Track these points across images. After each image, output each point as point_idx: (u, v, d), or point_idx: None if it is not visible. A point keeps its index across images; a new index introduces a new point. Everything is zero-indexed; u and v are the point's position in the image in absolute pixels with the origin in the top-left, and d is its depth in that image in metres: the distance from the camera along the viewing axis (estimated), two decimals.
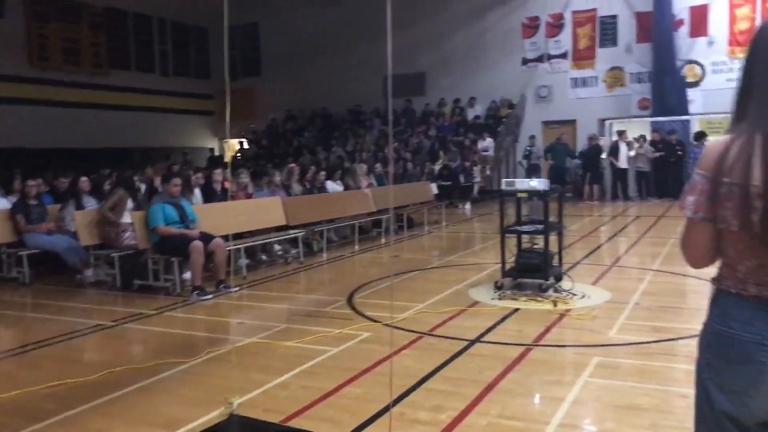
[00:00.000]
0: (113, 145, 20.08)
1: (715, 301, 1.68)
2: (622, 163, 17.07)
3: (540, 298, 6.23)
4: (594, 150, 17.35)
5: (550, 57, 19.77)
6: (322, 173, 11.79)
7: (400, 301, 6.40)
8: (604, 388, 3.99)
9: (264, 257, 9.17)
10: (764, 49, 1.61)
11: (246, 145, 23.29)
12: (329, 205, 10.59)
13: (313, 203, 10.30)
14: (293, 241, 9.33)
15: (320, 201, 10.62)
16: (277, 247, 9.34)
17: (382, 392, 3.74)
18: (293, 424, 3.53)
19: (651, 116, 18.09)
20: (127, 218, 7.81)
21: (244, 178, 9.81)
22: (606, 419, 3.56)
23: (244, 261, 8.37)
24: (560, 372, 4.34)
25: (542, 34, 19.84)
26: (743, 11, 17.20)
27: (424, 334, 5.24)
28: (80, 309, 6.90)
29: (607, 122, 18.75)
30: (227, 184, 9.48)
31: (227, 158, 21.16)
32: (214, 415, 3.64)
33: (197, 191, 9.34)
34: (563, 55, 19.59)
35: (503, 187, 6.88)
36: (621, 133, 17.34)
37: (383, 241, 11.23)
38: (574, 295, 6.32)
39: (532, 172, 17.33)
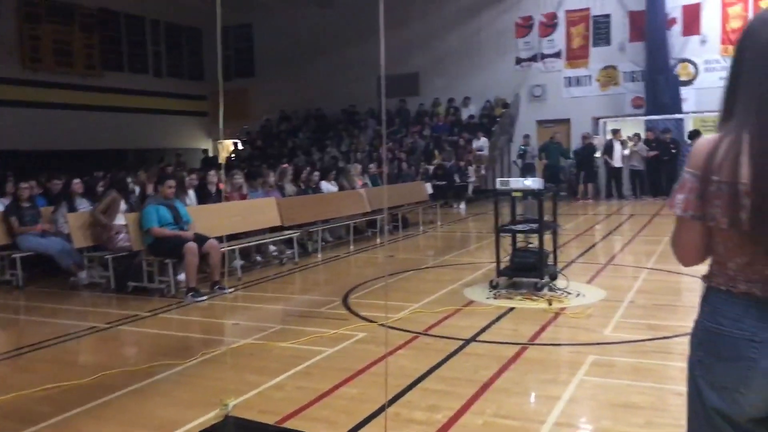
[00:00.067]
0: (107, 146, 20.03)
1: (706, 298, 1.69)
2: (617, 161, 17.11)
3: (535, 297, 6.24)
4: (588, 149, 17.38)
5: (543, 56, 19.81)
6: (316, 173, 11.78)
7: (396, 301, 6.40)
8: (599, 386, 3.99)
9: (259, 258, 9.15)
10: (751, 47, 1.62)
11: (240, 146, 23.26)
12: (324, 206, 10.58)
13: (307, 204, 10.28)
14: (288, 242, 9.31)
15: (315, 201, 10.61)
16: (271, 247, 9.33)
17: (377, 392, 3.74)
18: (289, 425, 3.52)
19: (645, 115, 18.15)
20: (120, 220, 7.77)
21: (239, 179, 9.79)
22: (601, 417, 3.56)
23: (238, 262, 8.35)
24: (555, 371, 4.34)
25: (536, 33, 19.88)
26: (735, 9, 17.28)
27: (420, 333, 5.24)
28: (74, 311, 6.88)
29: (601, 121, 18.80)
30: (222, 186, 9.46)
31: (221, 159, 21.14)
32: (209, 417, 3.62)
33: (191, 192, 9.31)
34: (557, 55, 19.64)
35: (498, 186, 6.88)
36: (615, 132, 17.38)
37: (378, 241, 11.23)
38: (569, 293, 6.32)
39: (527, 171, 17.34)
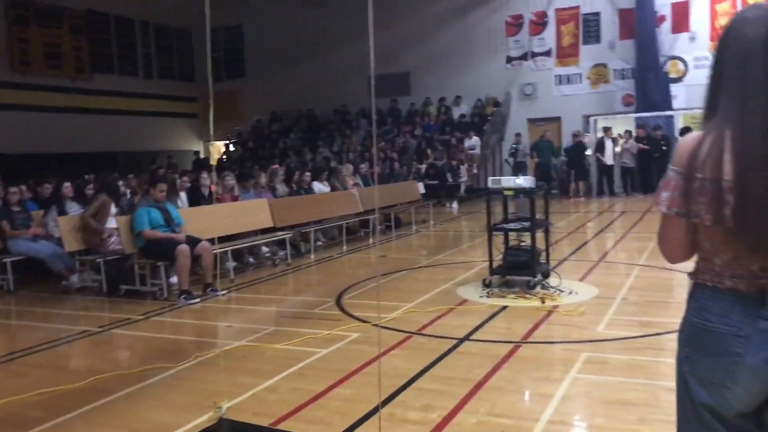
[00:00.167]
0: (97, 149, 19.92)
1: (693, 294, 1.71)
2: (608, 159, 17.18)
3: (528, 295, 6.25)
4: (578, 147, 17.44)
5: (534, 55, 19.86)
6: (308, 174, 11.76)
7: (389, 301, 6.40)
8: (592, 383, 4.01)
9: (251, 260, 9.12)
10: (733, 45, 1.63)
11: (231, 148, 23.20)
12: (316, 206, 10.56)
13: (299, 204, 10.27)
14: (281, 243, 9.30)
15: (307, 202, 10.59)
16: (264, 249, 9.31)
17: (371, 393, 3.74)
18: (283, 426, 3.52)
19: (635, 112, 18.23)
20: (111, 223, 7.74)
21: (230, 180, 9.76)
22: (595, 415, 3.58)
23: (231, 264, 8.32)
24: (549, 369, 4.35)
25: (526, 32, 19.93)
26: (724, 7, 17.37)
27: (413, 333, 5.24)
28: (66, 315, 6.85)
29: (591, 119, 18.87)
30: (213, 187, 9.43)
31: (213, 161, 21.09)
32: (203, 420, 3.62)
33: (183, 195, 9.28)
34: (547, 53, 19.69)
35: (490, 185, 6.90)
36: (606, 130, 17.45)
37: (371, 241, 11.23)
38: (562, 291, 6.34)
39: (518, 169, 17.40)
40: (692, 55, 17.78)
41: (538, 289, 6.44)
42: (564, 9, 19.39)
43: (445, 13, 20.56)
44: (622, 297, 6.18)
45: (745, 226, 1.53)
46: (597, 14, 19.01)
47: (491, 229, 6.77)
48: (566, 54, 19.45)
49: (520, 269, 6.56)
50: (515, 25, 20.03)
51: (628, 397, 3.74)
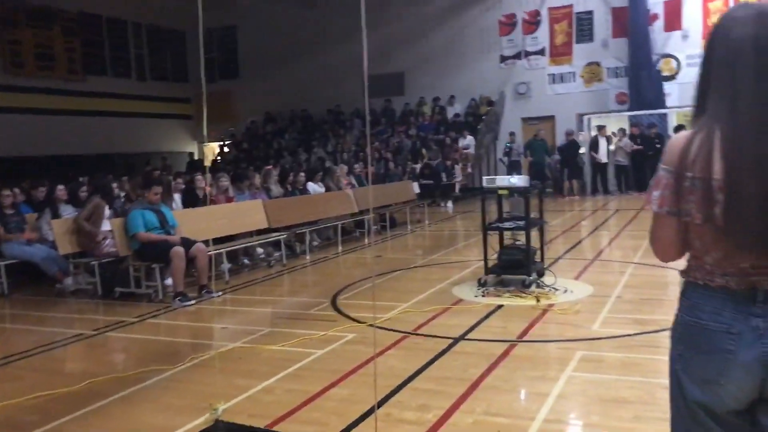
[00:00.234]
0: (91, 151, 19.86)
1: (684, 292, 1.72)
2: (602, 157, 17.23)
3: (523, 294, 6.26)
4: (571, 145, 17.49)
5: (527, 54, 19.90)
6: (303, 174, 11.74)
7: (384, 301, 6.40)
8: (588, 382, 4.02)
9: (246, 261, 9.12)
10: (722, 44, 1.64)
11: (226, 149, 23.15)
12: (311, 207, 10.55)
13: (294, 205, 10.25)
14: (276, 244, 9.29)
15: (302, 203, 10.58)
16: (259, 250, 9.29)
17: (368, 393, 3.73)
18: (279, 428, 3.52)
19: (628, 110, 18.28)
20: (106, 226, 7.72)
21: (225, 181, 9.74)
22: (591, 413, 3.58)
23: (226, 265, 8.31)
24: (545, 367, 4.36)
25: (519, 31, 19.96)
26: (716, 5, 17.43)
27: (409, 333, 5.25)
28: (61, 318, 6.82)
29: (585, 117, 18.90)
30: (208, 189, 9.41)
31: (207, 162, 21.04)
32: (199, 422, 3.61)
33: (177, 196, 9.26)
34: (540, 52, 19.72)
35: (484, 184, 6.91)
36: (600, 128, 17.49)
37: (366, 241, 11.22)
38: (557, 290, 6.35)
39: (513, 168, 17.45)
40: (685, 53, 17.83)
41: (533, 287, 6.45)
42: (557, 8, 19.43)
43: (439, 12, 20.57)
44: (616, 295, 6.20)
45: (735, 224, 1.54)
46: (590, 13, 19.05)
47: (486, 229, 6.78)
48: (560, 53, 19.48)
49: (515, 268, 6.57)
50: (508, 24, 20.06)
51: (624, 394, 3.75)
